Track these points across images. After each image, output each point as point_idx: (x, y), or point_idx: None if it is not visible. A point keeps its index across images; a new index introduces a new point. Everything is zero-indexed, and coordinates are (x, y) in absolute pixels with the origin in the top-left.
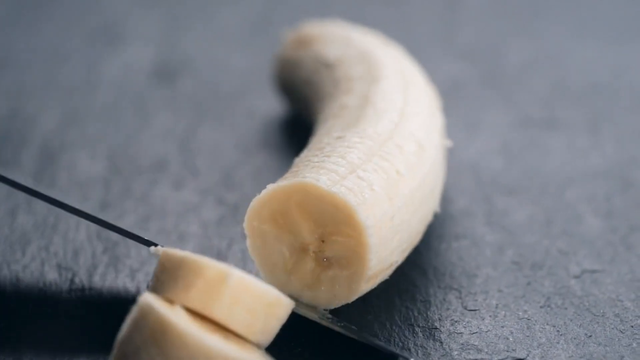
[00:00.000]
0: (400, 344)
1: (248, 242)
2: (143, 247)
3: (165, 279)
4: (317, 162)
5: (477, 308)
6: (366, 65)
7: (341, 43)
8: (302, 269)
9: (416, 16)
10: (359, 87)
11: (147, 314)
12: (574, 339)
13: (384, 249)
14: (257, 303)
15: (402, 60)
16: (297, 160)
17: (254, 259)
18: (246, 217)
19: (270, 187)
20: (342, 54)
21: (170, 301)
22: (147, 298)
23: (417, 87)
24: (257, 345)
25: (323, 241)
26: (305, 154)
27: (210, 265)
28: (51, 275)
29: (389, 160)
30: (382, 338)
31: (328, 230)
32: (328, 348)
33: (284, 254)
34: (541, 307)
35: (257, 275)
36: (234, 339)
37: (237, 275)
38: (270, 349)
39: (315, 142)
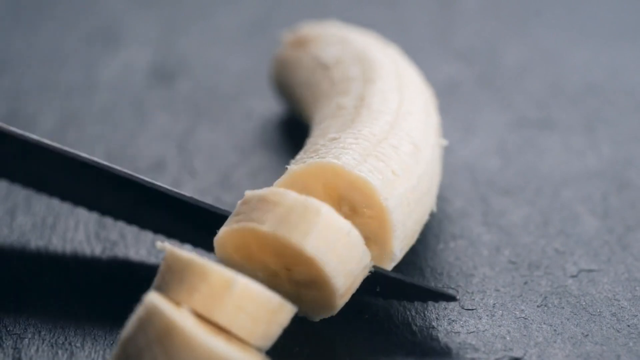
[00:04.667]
0: (398, 343)
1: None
2: (141, 247)
3: (170, 278)
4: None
5: (474, 307)
6: (362, 66)
7: (338, 44)
8: (280, 289)
9: (413, 17)
10: (355, 88)
11: (153, 314)
12: (571, 338)
13: None
14: (260, 310)
15: (398, 61)
16: (292, 162)
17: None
18: (215, 251)
19: (222, 230)
20: (339, 55)
21: (177, 302)
22: (154, 298)
23: (413, 87)
24: (258, 349)
25: (289, 270)
26: (300, 156)
27: (216, 270)
28: (50, 276)
29: (384, 161)
30: (379, 337)
31: (289, 262)
32: (327, 348)
33: (259, 277)
34: (538, 306)
35: None
36: (235, 341)
37: (241, 282)
38: (269, 348)
39: (310, 144)
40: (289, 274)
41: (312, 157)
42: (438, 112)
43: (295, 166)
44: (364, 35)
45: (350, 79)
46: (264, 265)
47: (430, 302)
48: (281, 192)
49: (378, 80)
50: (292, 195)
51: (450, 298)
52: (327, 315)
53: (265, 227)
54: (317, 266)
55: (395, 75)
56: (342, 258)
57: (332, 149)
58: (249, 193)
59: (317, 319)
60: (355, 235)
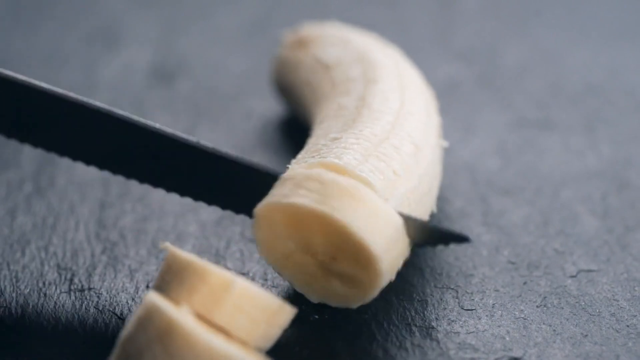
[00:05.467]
0: (398, 343)
1: (254, 225)
2: (142, 247)
3: (169, 279)
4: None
5: (473, 307)
6: (363, 66)
7: (339, 44)
8: (309, 270)
9: (413, 18)
10: (356, 89)
11: (153, 313)
12: (570, 338)
13: None
14: (260, 311)
15: (399, 62)
16: (293, 161)
17: (255, 236)
18: (258, 210)
19: (269, 201)
20: (340, 56)
21: (176, 301)
22: (154, 297)
23: (414, 88)
24: (258, 349)
25: (333, 254)
26: (302, 155)
27: (215, 272)
28: (50, 276)
29: (385, 161)
30: (379, 337)
31: (335, 240)
32: (327, 348)
33: (289, 247)
34: (537, 306)
35: (255, 278)
36: (235, 341)
37: (240, 284)
38: (269, 348)
39: (312, 144)
40: (329, 256)
41: (313, 157)
42: (438, 113)
43: (297, 165)
44: (365, 35)
45: (351, 79)
46: (305, 242)
47: (430, 302)
48: (323, 174)
49: (379, 80)
50: (343, 180)
51: (463, 239)
52: (359, 302)
53: (327, 208)
54: (365, 244)
55: (396, 75)
56: (389, 241)
57: (333, 149)
58: (297, 170)
59: (346, 305)
60: (399, 221)
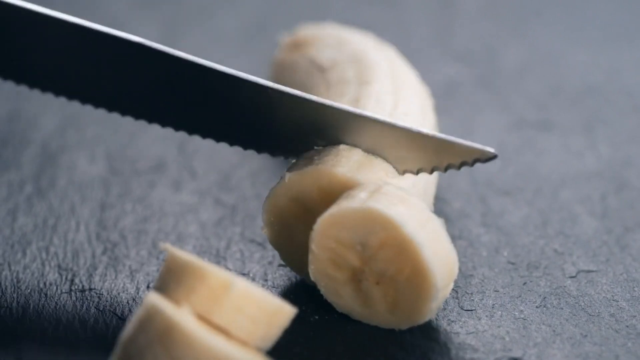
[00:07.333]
0: (398, 343)
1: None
2: (142, 248)
3: (170, 280)
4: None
5: (473, 308)
6: (357, 67)
7: (335, 46)
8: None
9: (412, 18)
10: (350, 90)
11: (154, 314)
12: (570, 338)
13: None
14: (259, 312)
15: (394, 62)
16: (288, 167)
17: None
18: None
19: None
20: (335, 57)
21: (177, 302)
22: (154, 298)
23: (409, 88)
24: (258, 349)
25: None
26: (296, 161)
27: (214, 272)
28: (51, 276)
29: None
30: (379, 337)
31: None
32: (327, 348)
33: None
34: (537, 307)
35: (255, 278)
36: (235, 341)
37: (240, 284)
38: (269, 348)
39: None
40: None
41: (307, 165)
42: (437, 113)
43: (290, 174)
44: (361, 36)
45: (345, 81)
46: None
47: None
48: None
49: (372, 81)
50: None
51: (489, 156)
52: (409, 322)
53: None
54: (420, 254)
55: (391, 76)
56: (440, 251)
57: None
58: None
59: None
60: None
